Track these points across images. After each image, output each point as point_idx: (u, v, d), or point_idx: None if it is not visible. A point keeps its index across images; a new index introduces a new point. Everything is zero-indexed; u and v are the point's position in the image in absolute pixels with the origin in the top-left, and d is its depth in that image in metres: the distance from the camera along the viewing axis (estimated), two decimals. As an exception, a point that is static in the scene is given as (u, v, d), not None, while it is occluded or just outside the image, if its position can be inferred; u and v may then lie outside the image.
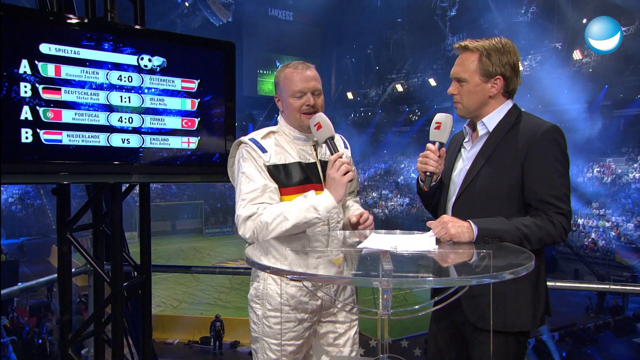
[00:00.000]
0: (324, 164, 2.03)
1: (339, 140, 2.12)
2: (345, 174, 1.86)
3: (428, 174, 1.90)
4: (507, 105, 1.87)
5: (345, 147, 2.17)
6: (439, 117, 1.90)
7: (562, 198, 1.74)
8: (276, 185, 1.95)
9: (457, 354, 1.94)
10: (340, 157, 1.89)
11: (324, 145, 2.01)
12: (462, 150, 1.97)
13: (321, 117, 1.94)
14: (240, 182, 1.95)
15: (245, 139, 2.02)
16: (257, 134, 2.04)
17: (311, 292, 1.94)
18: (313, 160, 2.03)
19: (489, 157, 1.82)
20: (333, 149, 1.93)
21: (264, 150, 1.97)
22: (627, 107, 25.33)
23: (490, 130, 1.85)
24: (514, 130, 1.81)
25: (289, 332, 1.95)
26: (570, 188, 1.78)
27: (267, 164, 1.95)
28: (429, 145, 1.91)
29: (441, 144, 1.90)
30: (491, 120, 1.85)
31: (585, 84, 25.56)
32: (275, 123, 2.11)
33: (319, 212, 1.85)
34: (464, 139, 1.98)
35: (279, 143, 2.02)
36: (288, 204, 1.88)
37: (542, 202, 1.74)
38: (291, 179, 1.96)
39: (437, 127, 1.89)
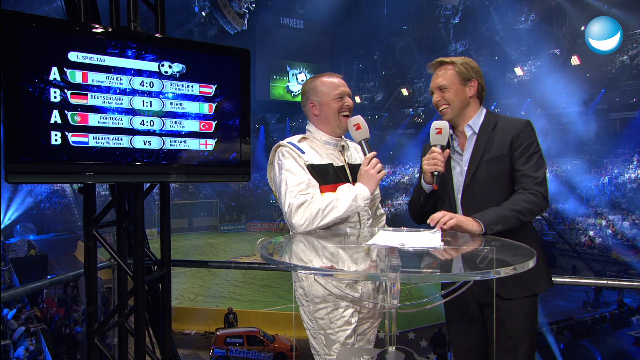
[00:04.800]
0: (351, 167, 2.13)
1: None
2: (379, 171, 2.00)
3: (436, 173, 1.99)
4: (482, 110, 2.08)
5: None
6: (438, 124, 2.04)
7: (539, 169, 1.95)
8: (316, 182, 2.00)
9: (477, 332, 2.04)
10: (375, 157, 2.01)
11: (351, 148, 2.15)
12: (455, 154, 2.10)
13: (360, 119, 2.07)
14: (285, 177, 1.98)
15: (283, 142, 2.09)
16: (293, 139, 2.11)
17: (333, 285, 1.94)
18: (342, 164, 2.11)
19: (483, 151, 2.00)
20: (367, 149, 2.05)
21: (302, 152, 2.03)
22: (623, 111, 25.02)
23: (477, 131, 2.04)
24: (498, 128, 2.02)
25: (339, 318, 1.96)
26: (546, 165, 2.01)
27: (306, 163, 2.01)
28: (434, 148, 2.02)
29: (443, 147, 2.02)
30: (475, 123, 2.06)
31: (583, 88, 25.26)
32: (290, 129, 2.16)
33: (363, 201, 1.96)
34: (453, 143, 2.11)
35: (312, 147, 2.09)
36: (334, 194, 1.95)
37: (523, 175, 1.94)
38: (326, 177, 2.02)
39: (439, 132, 2.02)
